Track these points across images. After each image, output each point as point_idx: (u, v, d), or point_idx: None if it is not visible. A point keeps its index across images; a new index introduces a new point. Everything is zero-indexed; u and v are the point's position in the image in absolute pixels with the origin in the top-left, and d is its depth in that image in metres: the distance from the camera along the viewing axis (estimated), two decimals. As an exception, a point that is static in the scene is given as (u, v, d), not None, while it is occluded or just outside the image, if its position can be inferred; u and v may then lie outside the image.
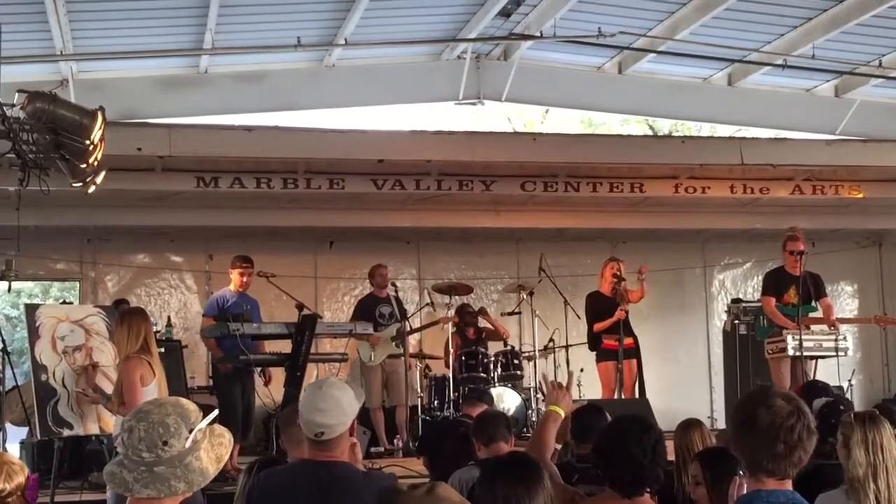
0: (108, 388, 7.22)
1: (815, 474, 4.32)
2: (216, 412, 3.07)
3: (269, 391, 9.65)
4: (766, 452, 2.91)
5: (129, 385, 6.57)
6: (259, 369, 9.61)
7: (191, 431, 2.88)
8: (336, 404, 4.01)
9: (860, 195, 12.82)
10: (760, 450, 2.92)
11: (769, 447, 2.90)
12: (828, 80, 14.03)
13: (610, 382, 10.61)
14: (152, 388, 6.58)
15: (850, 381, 11.06)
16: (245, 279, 9.77)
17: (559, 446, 6.19)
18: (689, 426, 5.60)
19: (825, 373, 10.42)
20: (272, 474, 4.28)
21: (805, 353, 9.87)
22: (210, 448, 2.94)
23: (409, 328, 11.06)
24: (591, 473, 4.86)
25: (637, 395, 10.66)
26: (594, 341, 10.85)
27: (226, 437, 3.02)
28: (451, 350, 11.12)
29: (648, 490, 4.13)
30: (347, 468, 4.09)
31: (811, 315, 10.17)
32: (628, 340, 10.57)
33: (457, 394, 10.93)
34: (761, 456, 2.92)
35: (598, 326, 10.72)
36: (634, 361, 10.72)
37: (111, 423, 7.25)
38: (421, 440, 8.94)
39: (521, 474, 3.62)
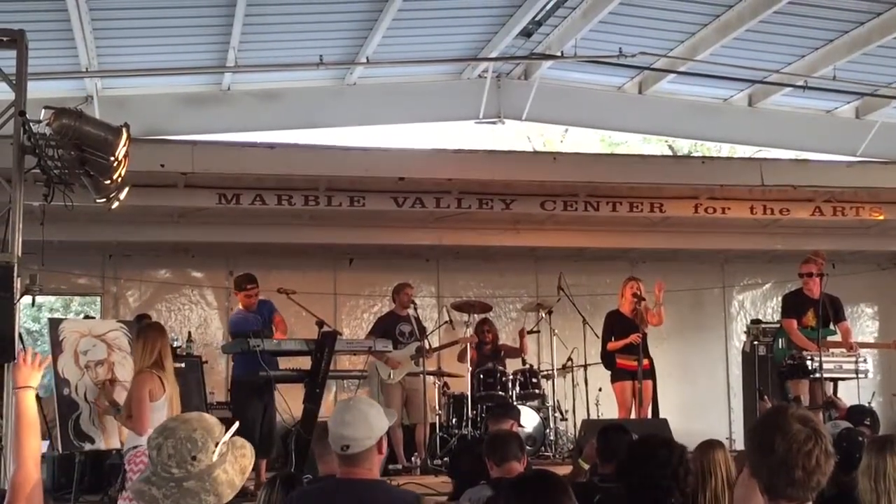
0: (128, 403, 7.26)
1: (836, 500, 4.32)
2: (237, 424, 3.10)
3: (288, 407, 9.67)
4: (785, 478, 2.88)
5: (137, 399, 6.63)
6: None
7: (216, 445, 2.93)
8: (362, 418, 4.02)
9: (881, 217, 12.79)
10: (779, 475, 2.89)
11: (787, 474, 2.88)
12: (849, 102, 14.02)
13: (626, 402, 10.60)
14: (161, 404, 6.62)
15: (869, 403, 10.99)
16: (251, 300, 9.79)
17: (587, 466, 6.21)
18: (711, 446, 5.60)
19: (845, 395, 10.41)
20: (299, 496, 4.29)
21: (825, 375, 9.86)
22: (234, 460, 2.98)
23: (428, 347, 11.09)
24: (613, 493, 4.86)
25: (651, 416, 10.65)
26: (608, 360, 10.86)
27: (247, 448, 3.07)
28: (469, 367, 11.17)
29: None
30: (374, 487, 4.08)
31: (830, 339, 10.17)
32: (644, 361, 10.56)
33: (475, 412, 10.95)
34: (779, 481, 2.90)
35: (611, 346, 10.75)
36: (650, 382, 10.72)
37: (132, 438, 7.27)
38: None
39: (548, 490, 3.63)
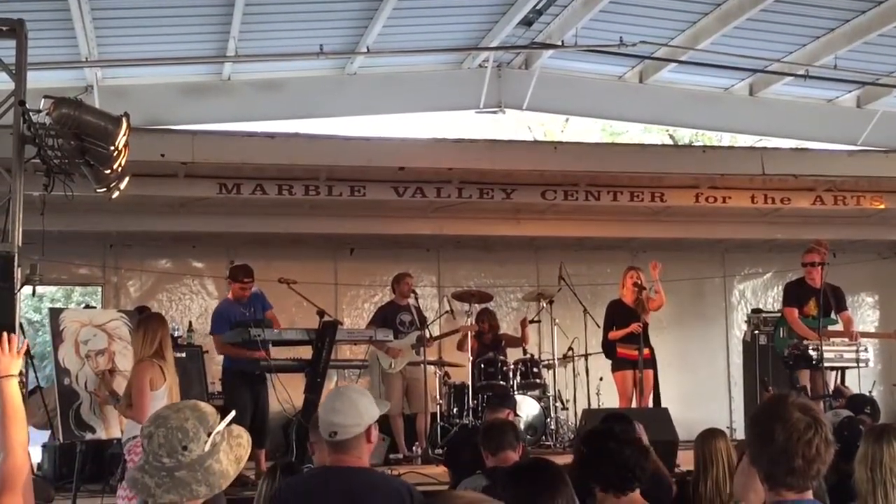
0: (128, 393, 7.26)
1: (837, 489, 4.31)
2: (233, 413, 3.09)
3: (289, 397, 9.66)
4: (785, 467, 2.87)
5: (137, 388, 6.63)
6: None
7: (209, 435, 2.91)
8: (351, 405, 4.02)
9: (882, 206, 12.79)
10: (779, 464, 2.88)
11: (787, 462, 2.86)
12: (850, 91, 13.99)
13: (627, 391, 10.62)
14: (162, 393, 6.62)
15: (870, 391, 11.03)
16: (245, 293, 9.73)
17: None
18: (713, 435, 5.61)
19: (846, 384, 10.41)
20: (290, 484, 4.30)
21: (826, 364, 9.87)
22: (229, 449, 2.96)
23: (428, 336, 11.08)
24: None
25: (651, 406, 10.66)
26: (609, 350, 10.88)
27: (244, 437, 3.05)
28: (469, 357, 11.16)
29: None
30: (363, 475, 4.08)
31: (831, 328, 10.17)
32: (645, 351, 10.57)
33: (476, 401, 10.95)
34: (779, 470, 2.89)
35: (612, 335, 10.77)
36: (651, 372, 10.73)
37: (132, 427, 7.28)
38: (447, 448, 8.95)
39: (544, 479, 3.63)
